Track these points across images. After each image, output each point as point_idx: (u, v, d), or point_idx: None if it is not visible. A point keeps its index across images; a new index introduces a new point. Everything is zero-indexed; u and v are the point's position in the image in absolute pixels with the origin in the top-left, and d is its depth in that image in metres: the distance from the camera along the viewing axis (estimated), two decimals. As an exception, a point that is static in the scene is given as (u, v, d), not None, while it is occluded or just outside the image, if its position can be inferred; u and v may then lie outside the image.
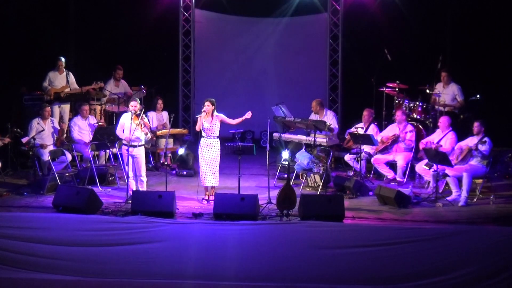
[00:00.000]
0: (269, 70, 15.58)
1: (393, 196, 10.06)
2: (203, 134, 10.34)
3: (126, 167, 10.22)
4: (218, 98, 10.60)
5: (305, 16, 15.43)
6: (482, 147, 10.33)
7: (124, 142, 10.27)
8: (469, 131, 10.83)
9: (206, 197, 10.38)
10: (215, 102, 10.32)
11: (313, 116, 12.30)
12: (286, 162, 10.61)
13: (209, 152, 10.27)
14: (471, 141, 10.57)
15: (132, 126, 10.14)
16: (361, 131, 11.82)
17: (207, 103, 10.24)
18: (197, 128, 10.35)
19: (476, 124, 10.55)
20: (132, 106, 10.26)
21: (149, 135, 10.39)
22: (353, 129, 11.93)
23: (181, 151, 11.54)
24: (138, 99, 10.47)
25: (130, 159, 10.21)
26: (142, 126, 10.14)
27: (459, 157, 10.52)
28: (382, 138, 11.79)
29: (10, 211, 9.58)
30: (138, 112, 10.21)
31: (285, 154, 10.74)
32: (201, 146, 10.34)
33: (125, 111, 12.74)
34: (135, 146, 10.25)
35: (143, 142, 10.42)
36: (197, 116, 10.37)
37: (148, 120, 10.98)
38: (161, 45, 15.13)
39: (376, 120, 13.09)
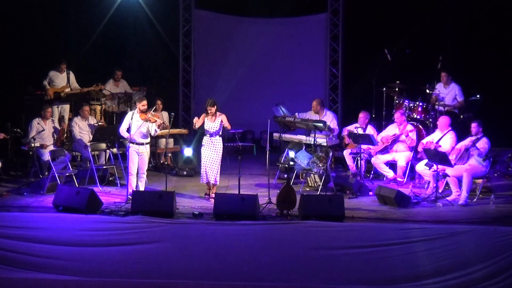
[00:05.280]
0: (269, 70, 15.60)
1: (393, 196, 10.06)
2: (206, 132, 10.41)
3: (131, 165, 10.24)
4: (218, 98, 10.66)
5: (305, 16, 15.45)
6: (480, 144, 10.33)
7: (130, 140, 10.28)
8: (469, 131, 10.82)
9: (208, 192, 10.46)
10: (216, 102, 10.38)
11: (312, 116, 12.30)
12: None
13: (212, 150, 10.36)
14: (469, 142, 10.57)
15: (139, 123, 10.22)
16: (360, 131, 11.82)
17: (209, 108, 10.29)
18: (197, 125, 10.38)
19: (473, 125, 10.54)
20: (143, 105, 10.29)
21: (159, 121, 10.42)
22: (352, 128, 11.92)
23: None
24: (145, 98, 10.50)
25: (136, 157, 10.28)
26: (152, 119, 10.22)
27: (457, 157, 10.52)
28: (382, 138, 11.79)
29: (10, 211, 9.57)
30: (145, 109, 10.28)
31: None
32: (203, 144, 10.43)
33: (125, 111, 12.79)
34: (142, 144, 10.31)
35: (149, 140, 10.48)
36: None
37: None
38: (161, 45, 15.13)
39: (376, 120, 13.11)
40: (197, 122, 10.43)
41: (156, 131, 10.43)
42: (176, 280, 9.03)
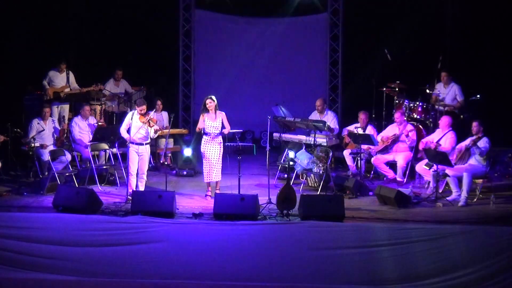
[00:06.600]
0: (269, 70, 15.60)
1: (393, 196, 10.06)
2: (207, 131, 10.42)
3: (131, 165, 10.23)
4: (218, 98, 10.63)
5: (305, 16, 15.46)
6: (480, 144, 10.33)
7: (131, 140, 10.28)
8: (469, 131, 10.82)
9: (209, 193, 10.48)
10: (215, 99, 10.41)
11: (314, 115, 12.30)
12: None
13: (214, 149, 10.39)
14: (469, 141, 10.57)
15: (138, 125, 10.22)
16: (360, 131, 11.82)
17: (208, 101, 10.33)
18: (199, 127, 10.41)
19: (474, 124, 10.55)
20: (141, 110, 10.26)
21: (156, 127, 10.41)
22: (352, 128, 11.93)
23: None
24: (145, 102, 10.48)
25: (136, 157, 10.27)
26: (151, 122, 10.22)
27: (457, 157, 10.52)
28: (382, 138, 11.79)
29: (10, 211, 9.57)
30: (144, 112, 10.28)
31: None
32: (205, 143, 10.45)
33: (125, 111, 12.78)
34: (141, 144, 10.31)
35: (149, 141, 10.48)
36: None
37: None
38: (161, 45, 15.13)
39: (376, 120, 13.11)
40: (200, 124, 10.44)
41: (153, 136, 10.45)
42: (176, 280, 9.02)
